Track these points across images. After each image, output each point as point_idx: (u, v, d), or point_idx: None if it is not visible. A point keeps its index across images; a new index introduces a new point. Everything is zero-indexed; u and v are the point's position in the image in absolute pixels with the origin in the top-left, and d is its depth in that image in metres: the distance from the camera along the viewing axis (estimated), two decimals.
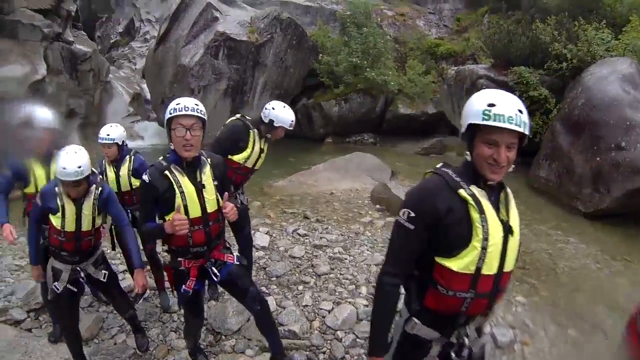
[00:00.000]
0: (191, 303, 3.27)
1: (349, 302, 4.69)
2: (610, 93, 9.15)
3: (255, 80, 15.23)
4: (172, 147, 2.86)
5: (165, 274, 3.85)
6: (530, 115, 7.45)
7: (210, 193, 3.01)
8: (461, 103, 13.74)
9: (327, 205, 8.32)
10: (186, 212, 2.88)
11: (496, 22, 16.74)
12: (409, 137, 16.16)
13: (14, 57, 11.92)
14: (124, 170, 4.62)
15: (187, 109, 2.77)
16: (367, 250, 6.13)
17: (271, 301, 4.56)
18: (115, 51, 24.62)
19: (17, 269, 5.68)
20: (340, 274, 5.36)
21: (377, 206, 8.22)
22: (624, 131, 8.39)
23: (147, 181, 2.84)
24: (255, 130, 4.35)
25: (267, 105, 4.33)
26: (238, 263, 3.26)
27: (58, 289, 3.57)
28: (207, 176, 3.02)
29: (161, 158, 2.97)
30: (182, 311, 4.62)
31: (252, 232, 6.27)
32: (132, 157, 4.67)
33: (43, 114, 3.97)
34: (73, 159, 3.35)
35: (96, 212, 3.61)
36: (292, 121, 4.34)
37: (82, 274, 3.65)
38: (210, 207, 3.01)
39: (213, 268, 3.14)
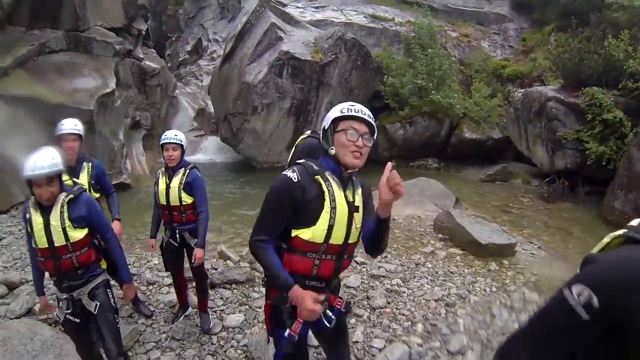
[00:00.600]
0: (296, 353, 2.52)
1: (403, 341, 4.36)
2: None
3: (320, 100, 15.12)
4: (332, 152, 2.37)
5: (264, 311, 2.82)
6: (605, 140, 6.96)
7: (358, 220, 2.48)
8: (529, 127, 13.15)
9: (390, 232, 7.91)
10: (327, 235, 2.36)
11: (564, 40, 15.81)
12: (473, 163, 15.67)
13: (87, 70, 12.45)
14: (176, 182, 4.27)
15: (363, 113, 2.35)
16: (427, 284, 5.73)
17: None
18: (183, 68, 25.39)
19: None
20: (397, 309, 5.01)
21: (440, 235, 7.74)
22: None
23: (295, 180, 2.31)
24: None
25: None
26: (345, 310, 2.67)
27: (60, 319, 3.37)
28: (359, 198, 2.51)
29: (301, 161, 2.47)
30: (223, 333, 4.46)
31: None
32: (188, 170, 4.31)
33: (69, 123, 4.31)
34: (44, 154, 3.08)
35: (66, 222, 3.15)
36: None
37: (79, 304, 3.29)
38: (353, 238, 2.47)
39: (328, 311, 2.54)
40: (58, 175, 3.13)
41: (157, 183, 4.34)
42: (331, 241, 2.37)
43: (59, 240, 3.16)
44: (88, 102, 11.17)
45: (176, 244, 4.43)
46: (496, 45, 20.99)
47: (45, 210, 3.15)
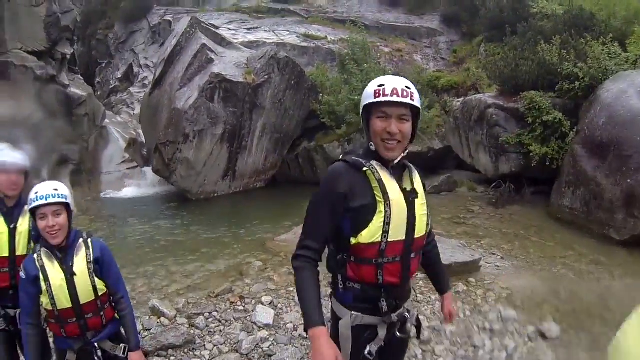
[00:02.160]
0: None
1: None
2: (634, 108, 8.70)
3: (254, 123, 14.59)
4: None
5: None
6: (546, 141, 7.00)
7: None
8: (470, 135, 13.26)
9: None
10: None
11: (494, 50, 17.03)
12: None
13: (3, 98, 11.59)
14: (81, 264, 2.96)
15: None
16: None
17: None
18: (114, 96, 24.51)
19: None
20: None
21: None
22: None
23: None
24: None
25: None
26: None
27: None
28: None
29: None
30: None
31: (254, 302, 5.62)
32: (88, 240, 3.10)
33: (10, 153, 3.40)
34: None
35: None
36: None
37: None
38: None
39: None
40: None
41: (36, 278, 2.87)
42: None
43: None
44: (10, 132, 10.43)
45: None
46: (429, 58, 21.42)
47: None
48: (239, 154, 14.56)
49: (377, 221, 2.12)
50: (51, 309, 2.85)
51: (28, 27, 13.78)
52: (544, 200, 11.11)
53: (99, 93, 23.16)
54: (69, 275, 2.85)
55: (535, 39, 13.82)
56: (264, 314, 5.24)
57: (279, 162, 15.90)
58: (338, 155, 13.43)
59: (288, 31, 21.10)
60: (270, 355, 4.58)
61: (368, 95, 2.19)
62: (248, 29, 21.43)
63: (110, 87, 25.38)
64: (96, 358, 2.99)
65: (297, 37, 20.39)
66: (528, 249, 8.41)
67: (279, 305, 5.55)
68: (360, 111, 2.25)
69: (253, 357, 4.58)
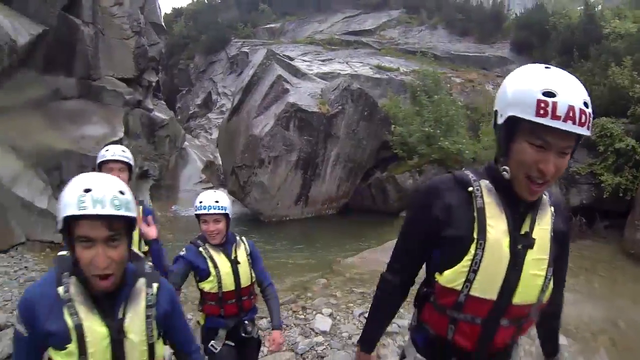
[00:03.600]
0: None
1: None
2: None
3: (328, 152, 15.08)
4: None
5: None
6: (619, 170, 6.74)
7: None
8: None
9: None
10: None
11: None
12: None
13: (96, 118, 12.90)
14: (243, 256, 3.41)
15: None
16: None
17: None
18: (193, 121, 25.90)
19: None
20: None
21: None
22: None
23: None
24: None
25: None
26: None
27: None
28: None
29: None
30: None
31: (314, 312, 5.95)
32: (240, 237, 3.54)
33: (116, 148, 3.61)
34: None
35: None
36: None
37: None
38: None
39: None
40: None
41: (202, 269, 3.31)
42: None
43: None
44: (95, 149, 11.28)
45: (232, 344, 3.46)
46: None
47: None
48: (312, 181, 15.04)
49: (463, 264, 1.57)
50: (216, 291, 3.26)
51: (119, 57, 15.29)
52: (617, 235, 10.56)
53: (179, 118, 24.54)
54: (235, 264, 3.31)
55: (607, 62, 13.26)
56: (322, 322, 5.65)
57: (352, 191, 16.22)
58: (409, 186, 13.56)
59: (361, 62, 21.61)
60: (322, 357, 4.88)
61: (522, 101, 1.45)
62: (322, 61, 22.13)
63: (190, 112, 26.82)
64: (243, 333, 3.40)
65: (370, 68, 20.85)
66: (593, 283, 8.18)
67: (337, 317, 5.89)
68: (499, 114, 1.55)
69: (307, 357, 4.87)
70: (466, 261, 1.57)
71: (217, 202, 3.30)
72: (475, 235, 1.57)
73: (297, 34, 28.97)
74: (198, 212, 3.32)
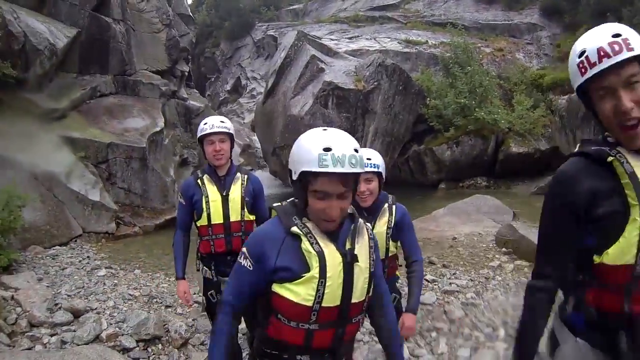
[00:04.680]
0: None
1: (488, 347, 4.32)
2: None
3: (366, 128, 15.41)
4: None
5: None
6: None
7: None
8: (577, 133, 12.99)
9: (451, 250, 7.88)
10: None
11: None
12: (522, 177, 15.55)
13: (136, 111, 13.29)
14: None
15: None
16: (501, 295, 5.68)
17: (404, 350, 4.28)
18: (224, 107, 26.28)
19: (131, 298, 5.89)
20: (475, 318, 4.98)
21: (504, 249, 7.62)
22: None
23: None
24: None
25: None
26: None
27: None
28: None
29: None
30: None
31: None
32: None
33: (214, 120, 3.37)
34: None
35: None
36: None
37: None
38: None
39: None
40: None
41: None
42: None
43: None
44: (140, 140, 11.86)
45: None
46: (531, 56, 21.00)
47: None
48: None
49: (632, 233, 1.48)
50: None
51: (152, 50, 15.85)
52: None
53: (209, 105, 24.85)
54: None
55: None
56: None
57: (390, 165, 16.44)
58: (447, 158, 13.86)
59: (389, 38, 21.67)
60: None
61: (575, 66, 1.53)
62: (349, 38, 22.23)
63: (220, 99, 27.23)
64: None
65: (398, 43, 20.93)
66: None
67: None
68: (575, 85, 1.56)
69: None
70: (634, 230, 1.48)
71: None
72: (635, 201, 1.46)
73: (320, 13, 28.98)
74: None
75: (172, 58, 16.70)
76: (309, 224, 1.74)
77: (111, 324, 4.90)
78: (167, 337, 4.74)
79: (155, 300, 5.87)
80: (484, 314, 5.09)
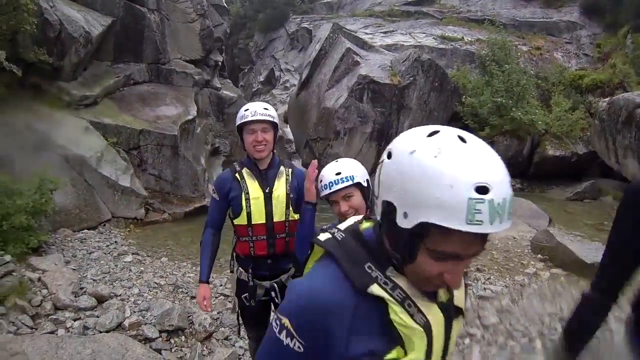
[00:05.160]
0: None
1: None
2: None
3: (401, 123, 15.21)
4: None
5: None
6: None
7: None
8: (617, 139, 12.57)
9: (485, 254, 7.56)
10: None
11: None
12: (558, 181, 15.18)
13: (169, 99, 13.46)
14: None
15: None
16: (537, 302, 5.53)
17: None
18: (257, 98, 26.19)
19: (156, 286, 5.84)
20: (510, 325, 4.84)
21: (539, 256, 7.44)
22: None
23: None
24: None
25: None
26: None
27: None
28: None
29: None
30: None
31: None
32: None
33: (257, 106, 3.01)
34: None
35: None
36: None
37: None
38: None
39: None
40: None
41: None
42: None
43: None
44: (172, 128, 11.99)
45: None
46: (570, 55, 20.40)
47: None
48: None
49: None
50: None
51: (186, 40, 15.96)
52: None
53: (242, 95, 24.91)
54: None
55: None
56: None
57: None
58: None
59: (424, 33, 21.39)
60: None
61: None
62: (384, 33, 22.01)
63: (253, 90, 27.27)
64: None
65: (433, 39, 20.66)
66: None
67: None
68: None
69: None
70: None
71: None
72: None
73: (355, 7, 28.72)
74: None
75: (205, 48, 16.78)
76: (401, 281, 1.10)
77: (134, 312, 4.89)
78: (190, 330, 4.70)
79: (180, 290, 5.83)
80: (519, 322, 4.95)
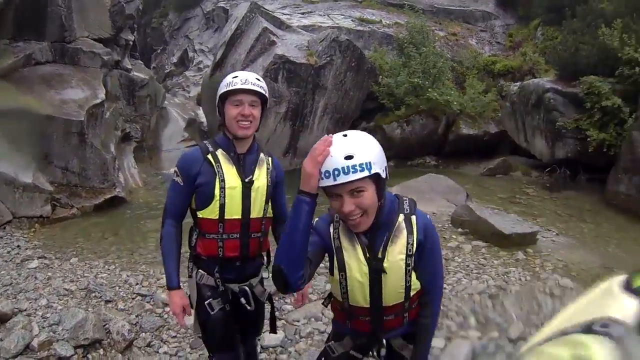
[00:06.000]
0: None
1: (462, 336, 4.26)
2: None
3: (316, 103, 14.95)
4: None
5: None
6: (604, 127, 7.48)
7: None
8: (526, 120, 13.38)
9: None
10: None
11: (552, 33, 17.32)
12: (471, 158, 15.65)
13: (75, 81, 12.19)
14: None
15: None
16: (464, 278, 5.67)
17: None
18: (170, 80, 25.15)
19: (66, 293, 5.21)
20: (444, 306, 4.79)
21: (460, 229, 7.71)
22: None
23: None
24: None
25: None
26: None
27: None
28: None
29: None
30: (262, 355, 4.08)
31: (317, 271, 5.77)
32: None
33: (248, 75, 2.60)
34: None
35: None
36: None
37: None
38: None
39: None
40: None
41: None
42: None
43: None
44: (78, 113, 10.81)
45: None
46: (484, 42, 21.33)
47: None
48: (300, 132, 15.01)
49: None
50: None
51: (94, 15, 14.46)
52: (599, 187, 11.06)
53: (154, 77, 23.84)
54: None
55: (596, 23, 13.50)
56: None
57: None
58: (397, 136, 14.03)
59: (342, 15, 21.20)
60: None
61: None
62: (302, 14, 21.62)
63: (166, 71, 26.07)
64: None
65: (351, 21, 20.49)
66: (582, 230, 8.56)
67: None
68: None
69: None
70: None
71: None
72: None
73: None
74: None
75: (116, 25, 15.44)
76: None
77: (44, 329, 4.19)
78: (108, 340, 4.17)
79: (94, 294, 5.19)
80: (451, 301, 5.01)
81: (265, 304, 2.93)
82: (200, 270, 2.67)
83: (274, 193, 2.72)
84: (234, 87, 2.49)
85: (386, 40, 18.90)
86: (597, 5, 15.23)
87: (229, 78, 2.58)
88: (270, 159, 2.76)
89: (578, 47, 12.91)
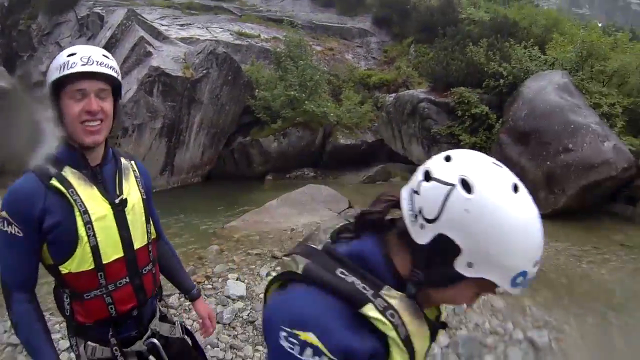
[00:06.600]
0: None
1: None
2: (551, 102, 10.11)
3: (192, 118, 14.68)
4: None
5: None
6: (475, 132, 8.11)
7: None
8: (402, 128, 14.49)
9: (292, 242, 7.68)
10: None
11: (422, 50, 19.51)
12: (350, 168, 16.25)
13: None
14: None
15: None
16: None
17: None
18: (38, 91, 23.43)
19: None
20: None
21: None
22: (569, 134, 9.34)
23: None
24: None
25: None
26: None
27: None
28: None
29: None
30: None
31: (220, 280, 5.65)
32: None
33: (92, 51, 1.78)
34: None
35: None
36: None
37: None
38: None
39: None
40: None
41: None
42: None
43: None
44: None
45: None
46: (360, 57, 22.56)
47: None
48: (177, 149, 14.62)
49: None
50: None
51: None
52: None
53: (17, 88, 22.12)
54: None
55: (465, 42, 15.42)
56: (236, 287, 5.31)
57: (215, 157, 16.10)
58: (274, 149, 14.44)
59: (221, 28, 21.23)
60: (252, 322, 4.72)
61: None
62: (181, 25, 21.30)
63: (33, 81, 24.25)
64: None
65: (230, 34, 20.59)
66: None
67: (246, 281, 5.66)
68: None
69: (235, 325, 4.69)
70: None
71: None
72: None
73: None
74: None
75: None
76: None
77: None
78: None
79: None
80: None
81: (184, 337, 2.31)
82: (89, 343, 1.91)
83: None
84: (71, 70, 1.69)
85: (264, 54, 19.29)
86: (465, 27, 17.61)
87: (62, 57, 1.74)
88: (133, 162, 2.09)
89: (449, 62, 14.63)
